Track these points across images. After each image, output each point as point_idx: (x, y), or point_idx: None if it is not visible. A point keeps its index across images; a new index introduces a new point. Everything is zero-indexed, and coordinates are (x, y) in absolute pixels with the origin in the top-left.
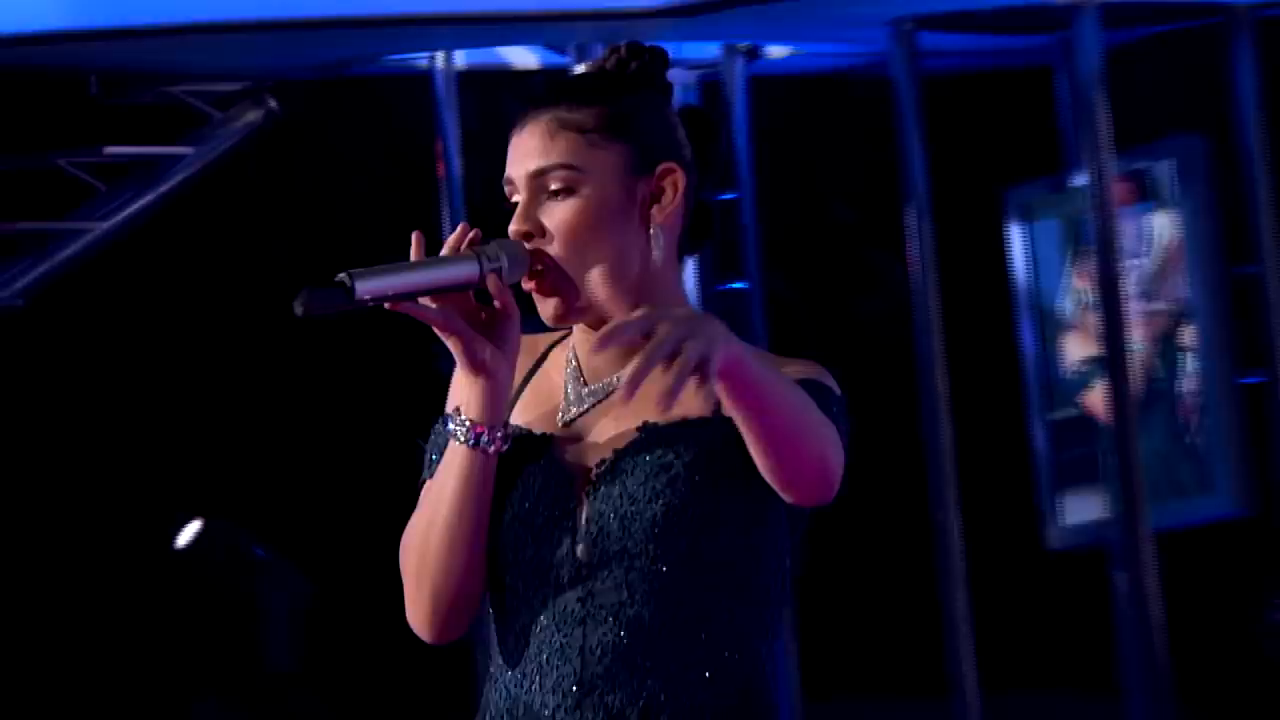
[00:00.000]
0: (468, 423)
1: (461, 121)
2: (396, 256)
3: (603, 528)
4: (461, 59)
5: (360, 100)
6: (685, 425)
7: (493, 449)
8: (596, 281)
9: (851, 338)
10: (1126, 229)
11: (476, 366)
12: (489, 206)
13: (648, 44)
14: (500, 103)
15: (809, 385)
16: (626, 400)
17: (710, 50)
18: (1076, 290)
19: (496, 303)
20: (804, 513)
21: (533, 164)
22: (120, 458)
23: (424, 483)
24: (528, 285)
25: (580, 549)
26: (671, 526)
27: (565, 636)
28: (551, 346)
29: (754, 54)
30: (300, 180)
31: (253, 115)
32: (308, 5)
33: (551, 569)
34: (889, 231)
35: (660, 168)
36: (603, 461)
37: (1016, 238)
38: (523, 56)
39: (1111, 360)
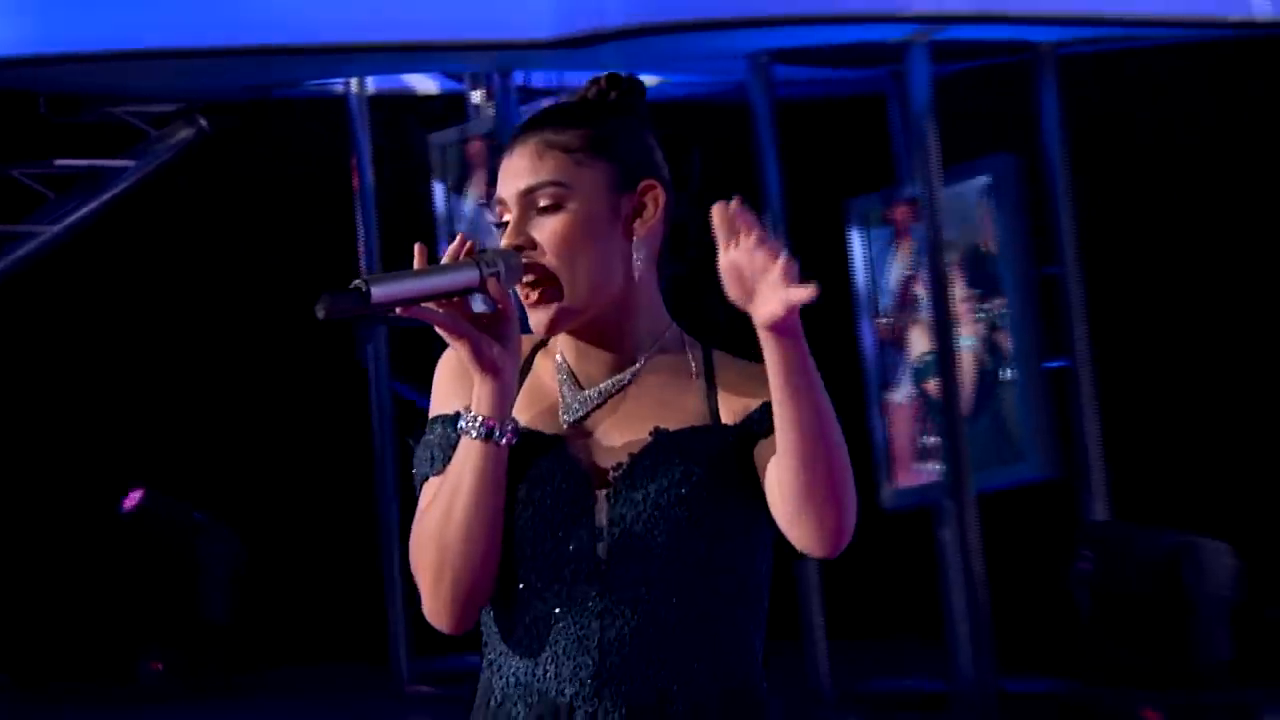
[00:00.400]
0: (479, 418)
1: (372, 139)
2: (317, 258)
3: (625, 529)
4: (372, 85)
5: (283, 120)
6: (694, 432)
7: (504, 441)
8: (584, 289)
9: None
10: (911, 244)
11: (485, 365)
12: (397, 214)
13: (594, 73)
14: (405, 123)
15: None
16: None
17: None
18: (912, 293)
19: (498, 305)
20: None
21: (522, 183)
22: (70, 435)
23: (421, 481)
24: (522, 291)
25: (601, 547)
26: (694, 530)
27: (582, 629)
28: (535, 349)
29: None
30: (228, 190)
31: (186, 132)
32: (236, 34)
33: (569, 563)
34: None
35: (642, 184)
36: (620, 465)
37: (855, 242)
38: (425, 84)
39: (941, 352)
